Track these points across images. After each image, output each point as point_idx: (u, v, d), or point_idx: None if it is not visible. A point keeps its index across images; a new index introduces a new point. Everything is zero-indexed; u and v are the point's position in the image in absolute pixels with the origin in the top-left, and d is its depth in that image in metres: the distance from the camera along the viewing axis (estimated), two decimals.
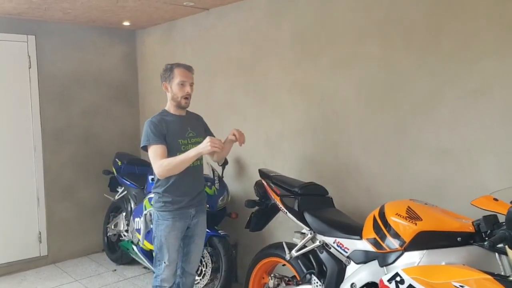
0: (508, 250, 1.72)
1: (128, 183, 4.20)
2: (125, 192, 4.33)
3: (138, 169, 4.33)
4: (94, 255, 4.77)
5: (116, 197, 4.48)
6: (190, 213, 2.82)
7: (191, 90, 2.78)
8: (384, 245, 2.08)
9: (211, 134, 3.00)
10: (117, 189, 4.51)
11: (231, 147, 2.94)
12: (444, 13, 2.46)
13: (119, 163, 4.43)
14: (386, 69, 2.75)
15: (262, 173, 2.96)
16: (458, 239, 1.90)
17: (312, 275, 2.54)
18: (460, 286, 1.70)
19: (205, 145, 2.52)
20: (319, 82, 3.16)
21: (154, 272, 2.88)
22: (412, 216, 2.03)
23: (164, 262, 2.78)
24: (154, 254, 2.86)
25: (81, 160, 4.71)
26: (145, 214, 3.30)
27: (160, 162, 2.64)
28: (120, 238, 4.35)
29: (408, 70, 2.64)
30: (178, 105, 2.79)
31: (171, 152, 2.71)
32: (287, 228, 3.30)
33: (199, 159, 2.83)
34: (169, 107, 2.83)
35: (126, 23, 4.58)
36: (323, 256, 2.50)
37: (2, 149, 4.24)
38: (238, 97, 3.82)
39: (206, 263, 3.47)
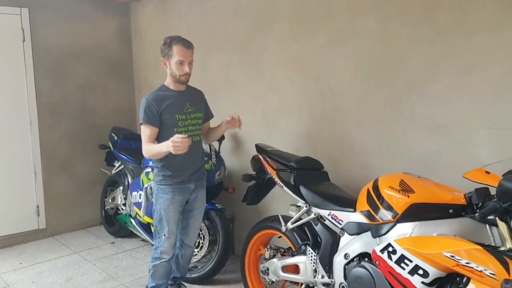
0: (498, 221, 1.76)
1: (125, 157, 4.22)
2: (122, 166, 4.36)
3: (134, 144, 4.34)
4: (92, 228, 4.83)
5: (113, 171, 4.51)
6: (190, 188, 2.86)
7: (190, 68, 2.75)
8: (377, 217, 2.13)
9: (209, 111, 3.05)
10: (114, 163, 4.53)
11: (225, 130, 3.00)
12: None
13: (115, 137, 4.44)
14: (382, 45, 2.75)
15: (259, 148, 2.99)
16: (450, 211, 1.94)
17: (307, 246, 2.60)
18: (451, 256, 1.75)
19: (168, 147, 2.50)
20: (315, 58, 3.15)
21: (153, 244, 2.94)
22: (405, 188, 2.07)
23: (164, 235, 2.83)
24: (154, 226, 2.90)
25: (77, 134, 4.72)
26: (146, 188, 3.31)
27: (145, 146, 2.72)
28: (118, 212, 4.39)
29: (403, 45, 2.64)
30: (178, 82, 2.79)
31: (169, 127, 2.73)
32: (283, 201, 3.35)
33: (198, 134, 2.86)
34: (169, 82, 2.82)
35: None
36: (318, 228, 2.55)
37: None
38: (235, 73, 3.80)
39: (203, 236, 3.53)
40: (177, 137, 2.48)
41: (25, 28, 4.29)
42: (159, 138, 2.77)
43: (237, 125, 2.88)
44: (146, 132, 2.73)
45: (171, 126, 2.74)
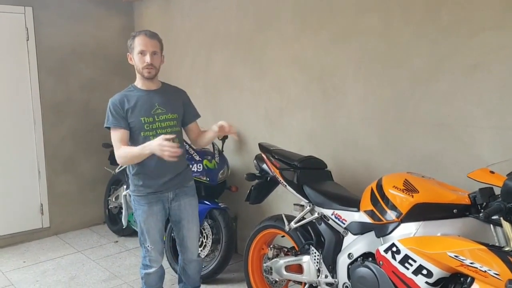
0: (502, 221, 1.75)
1: None
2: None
3: None
4: (95, 227, 4.85)
5: (117, 170, 4.52)
6: (167, 197, 2.64)
7: (155, 59, 2.52)
8: (381, 216, 2.13)
9: (192, 110, 2.77)
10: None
11: (215, 137, 2.72)
12: None
13: None
14: (385, 43, 2.74)
15: (262, 147, 2.98)
16: (454, 211, 1.93)
17: (311, 246, 2.60)
18: (455, 256, 1.74)
19: (156, 148, 2.29)
20: (318, 56, 3.14)
21: (141, 252, 2.79)
22: (409, 188, 2.06)
23: (148, 246, 2.67)
24: (138, 236, 2.74)
25: (81, 133, 4.73)
26: (125, 195, 3.00)
27: (119, 151, 2.49)
28: (121, 210, 4.40)
29: (407, 43, 2.63)
30: (142, 77, 2.56)
31: (135, 131, 2.53)
32: (286, 200, 3.35)
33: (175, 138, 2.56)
34: (138, 81, 2.62)
35: None
36: (322, 227, 2.54)
37: (2, 122, 4.24)
38: (237, 71, 3.80)
39: (206, 235, 3.53)
40: (165, 140, 2.28)
41: (29, 27, 4.30)
42: (129, 144, 2.55)
43: (233, 133, 2.64)
44: (115, 135, 2.50)
45: (137, 130, 2.51)
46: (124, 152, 2.48)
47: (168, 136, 2.32)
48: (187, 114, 2.75)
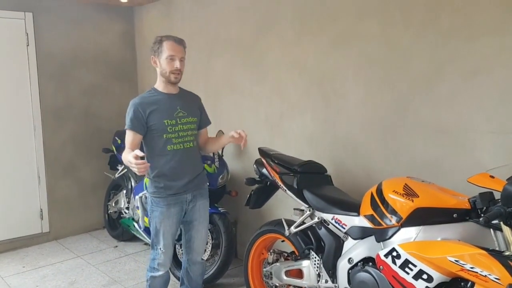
0: (503, 226, 1.75)
1: None
2: (125, 170, 4.36)
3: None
4: (95, 232, 4.84)
5: (116, 175, 4.52)
6: (186, 198, 2.69)
7: (182, 65, 2.60)
8: (381, 221, 2.12)
9: (204, 117, 2.85)
10: (117, 167, 4.54)
11: (227, 144, 2.85)
12: None
13: (119, 141, 4.44)
14: (386, 48, 2.74)
15: (262, 151, 2.98)
16: (454, 215, 1.93)
17: (311, 251, 2.59)
18: (455, 261, 1.74)
19: (131, 161, 2.31)
20: (318, 60, 3.15)
21: (150, 255, 2.79)
22: (409, 193, 2.06)
23: (160, 249, 2.70)
24: (151, 238, 2.77)
25: (81, 138, 4.73)
26: (140, 197, 3.03)
27: (123, 152, 2.57)
28: (121, 215, 4.40)
29: (407, 48, 2.64)
30: (167, 81, 2.62)
31: (158, 133, 2.58)
32: (286, 205, 3.34)
33: (191, 140, 2.68)
34: (159, 84, 2.67)
35: (124, 0, 4.53)
36: (322, 232, 2.54)
37: (2, 127, 4.25)
38: (238, 76, 3.81)
39: (206, 240, 3.52)
40: (137, 157, 2.29)
41: (29, 33, 4.31)
42: (149, 145, 2.64)
43: (242, 143, 2.64)
44: (128, 137, 2.59)
45: (159, 132, 2.58)
46: (124, 155, 2.56)
47: (139, 154, 2.31)
48: (201, 120, 2.83)
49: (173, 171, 2.62)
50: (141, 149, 2.50)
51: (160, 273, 2.74)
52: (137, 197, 3.07)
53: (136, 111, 2.57)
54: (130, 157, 2.33)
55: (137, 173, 2.35)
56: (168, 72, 2.58)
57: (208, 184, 3.52)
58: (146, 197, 2.82)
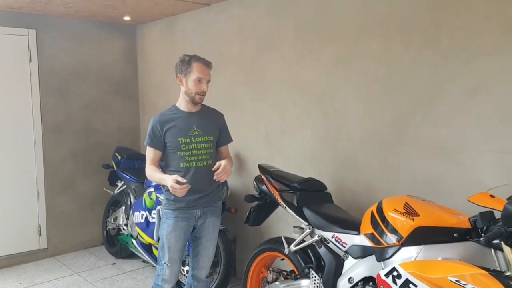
0: (503, 246, 1.74)
1: (128, 177, 4.22)
2: (125, 186, 4.35)
3: (137, 163, 4.34)
4: (93, 248, 4.80)
5: (116, 191, 4.50)
6: (195, 214, 2.70)
7: (207, 87, 2.67)
8: (381, 240, 2.11)
9: (225, 134, 2.87)
10: (117, 183, 4.53)
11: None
12: (443, 10, 2.48)
13: (119, 157, 4.45)
14: (386, 66, 2.77)
15: (262, 168, 2.98)
16: (455, 235, 1.92)
17: (311, 269, 2.57)
18: (456, 281, 1.72)
19: (169, 187, 2.50)
20: (319, 78, 3.17)
21: (157, 269, 2.81)
22: (409, 211, 2.05)
23: (165, 263, 2.70)
24: (158, 251, 2.79)
25: (81, 154, 4.73)
26: (158, 210, 3.12)
27: (147, 168, 2.68)
28: (120, 232, 4.37)
29: (407, 67, 2.66)
30: (191, 101, 2.67)
31: (173, 150, 2.65)
32: (286, 223, 3.33)
33: (205, 159, 2.69)
34: (181, 101, 2.71)
35: (127, 18, 4.59)
36: (322, 250, 2.52)
37: (2, 142, 4.25)
38: (238, 93, 3.83)
39: (213, 258, 3.50)
40: (177, 182, 2.45)
41: (32, 49, 4.35)
42: (165, 160, 2.73)
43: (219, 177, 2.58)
44: (149, 154, 2.70)
45: (174, 149, 2.65)
46: (149, 172, 2.67)
47: (180, 179, 2.46)
48: (221, 137, 2.85)
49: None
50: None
51: None
52: (158, 207, 3.25)
53: (154, 128, 2.66)
54: (170, 181, 2.46)
55: (178, 195, 2.50)
56: (194, 93, 2.63)
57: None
58: (161, 210, 2.88)
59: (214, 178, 2.58)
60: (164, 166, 2.76)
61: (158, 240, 2.86)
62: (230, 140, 2.94)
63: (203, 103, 2.78)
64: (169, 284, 2.74)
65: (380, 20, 2.78)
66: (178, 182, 2.45)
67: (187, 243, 2.91)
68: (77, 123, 4.70)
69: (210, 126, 2.76)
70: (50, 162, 4.52)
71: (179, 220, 2.68)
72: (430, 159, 2.59)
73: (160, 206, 3.05)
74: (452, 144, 2.49)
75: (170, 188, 2.48)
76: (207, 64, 2.66)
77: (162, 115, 2.71)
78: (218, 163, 2.59)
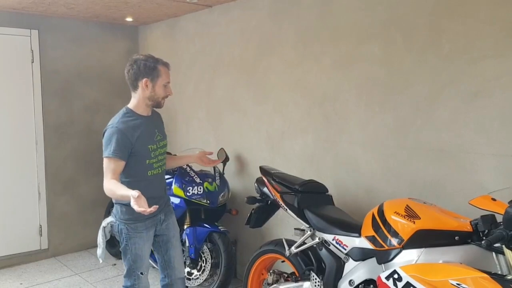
0: (505, 249, 1.74)
1: None
2: None
3: None
4: (94, 249, 4.77)
5: None
6: (160, 219, 2.64)
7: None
8: (382, 243, 2.11)
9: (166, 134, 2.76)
10: None
11: (186, 163, 2.88)
12: (445, 14, 2.48)
13: None
14: (387, 70, 2.77)
15: (263, 170, 2.98)
16: (456, 238, 1.92)
17: (311, 272, 2.57)
18: (457, 284, 1.72)
19: (132, 202, 2.13)
20: (320, 81, 3.17)
21: (125, 283, 2.64)
22: (410, 214, 2.05)
23: (141, 273, 2.60)
24: (126, 267, 2.61)
25: (83, 155, 4.74)
26: (104, 227, 2.71)
27: (108, 183, 2.36)
28: None
29: (408, 70, 2.66)
30: (155, 105, 2.54)
31: (141, 160, 2.48)
32: (287, 225, 3.33)
33: (165, 163, 2.64)
34: (137, 106, 2.52)
35: (129, 19, 4.60)
36: (322, 253, 2.52)
37: (4, 143, 4.26)
38: (240, 95, 3.83)
39: (205, 259, 3.50)
40: (139, 197, 2.13)
41: (34, 50, 4.36)
42: (127, 171, 2.48)
43: (205, 163, 2.67)
44: (110, 166, 2.38)
45: (142, 158, 2.48)
46: (111, 187, 2.35)
47: (140, 196, 2.15)
48: None
49: (152, 195, 2.43)
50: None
51: None
52: (101, 226, 2.73)
53: (124, 137, 2.40)
54: (136, 200, 2.13)
55: (140, 212, 2.14)
56: (161, 97, 2.52)
57: (209, 202, 3.53)
58: (112, 226, 2.63)
59: (200, 162, 2.68)
60: (124, 177, 2.49)
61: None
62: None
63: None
64: None
65: (381, 23, 2.78)
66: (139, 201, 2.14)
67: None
68: (79, 124, 4.70)
69: (162, 128, 2.71)
70: (51, 163, 4.52)
71: (149, 230, 2.59)
72: (431, 162, 2.59)
73: (109, 223, 2.69)
74: (453, 147, 2.49)
75: (134, 206, 2.12)
76: (169, 67, 2.57)
77: (124, 122, 2.46)
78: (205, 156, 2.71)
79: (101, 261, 2.66)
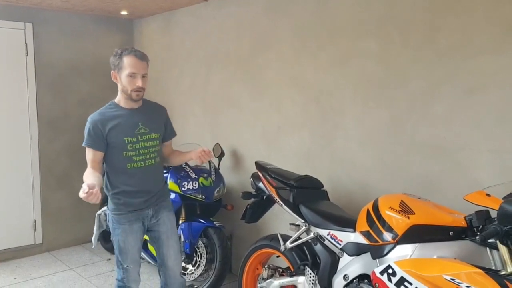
0: (499, 245, 1.75)
1: None
2: None
3: None
4: (88, 244, 4.78)
5: None
6: (147, 214, 2.59)
7: (144, 82, 2.46)
8: (377, 238, 2.11)
9: (170, 129, 2.75)
10: None
11: (190, 160, 2.74)
12: (441, 10, 2.48)
13: None
14: (383, 66, 2.77)
15: (259, 165, 2.98)
16: (450, 233, 1.93)
17: (306, 267, 2.57)
18: (451, 279, 1.73)
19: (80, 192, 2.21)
20: (317, 77, 3.17)
21: (117, 275, 2.68)
22: (405, 210, 2.05)
23: (127, 266, 2.59)
24: (115, 256, 2.65)
25: (77, 149, 4.66)
26: (99, 215, 2.84)
27: (86, 171, 2.46)
28: None
29: (405, 66, 2.66)
30: (128, 98, 2.50)
31: (117, 151, 2.48)
32: (282, 220, 3.33)
33: (153, 157, 2.57)
34: (119, 99, 2.55)
35: (124, 12, 4.56)
36: (317, 248, 2.52)
37: None
38: (236, 90, 3.82)
39: (200, 254, 3.50)
40: (84, 189, 2.18)
41: (29, 43, 4.32)
42: (108, 162, 2.54)
43: (200, 160, 2.56)
44: (88, 155, 2.50)
45: (119, 149, 2.47)
46: (84, 175, 2.43)
47: (88, 189, 2.20)
48: (166, 133, 2.72)
49: (133, 188, 2.51)
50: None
51: None
52: (96, 214, 2.89)
53: (95, 127, 2.45)
54: (84, 185, 2.20)
55: (91, 201, 2.22)
56: (129, 90, 2.46)
57: (204, 197, 3.53)
58: (105, 215, 2.70)
59: (197, 159, 2.53)
60: (107, 167, 2.57)
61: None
62: (175, 134, 2.81)
63: (145, 98, 2.63)
64: (136, 284, 2.66)
65: (378, 19, 2.77)
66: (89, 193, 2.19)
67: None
68: (74, 118, 4.67)
69: (156, 122, 2.61)
70: (45, 157, 4.50)
71: (133, 223, 2.55)
72: (427, 158, 2.59)
73: (103, 210, 2.82)
74: (448, 143, 2.49)
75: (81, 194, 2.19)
76: (141, 57, 2.44)
77: (102, 113, 2.51)
78: (202, 152, 2.55)
79: (93, 246, 2.82)
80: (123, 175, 2.52)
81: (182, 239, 3.45)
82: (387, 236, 2.06)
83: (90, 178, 2.37)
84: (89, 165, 2.49)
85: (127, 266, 2.60)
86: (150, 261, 3.66)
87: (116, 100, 2.57)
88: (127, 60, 2.43)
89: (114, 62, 2.48)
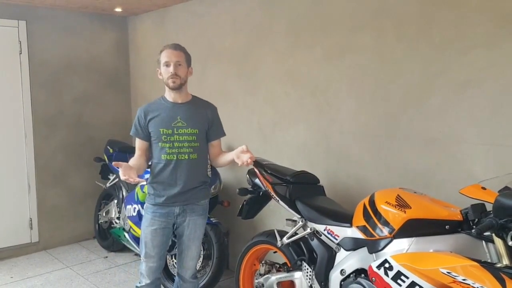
0: (495, 238, 1.75)
1: None
2: (117, 179, 4.33)
3: (129, 157, 4.25)
4: (85, 242, 4.78)
5: (108, 185, 4.48)
6: (174, 211, 2.60)
7: (178, 69, 2.52)
8: (373, 232, 2.12)
9: (216, 128, 2.72)
10: (109, 176, 4.50)
11: (231, 161, 2.62)
12: (436, 3, 2.48)
13: (111, 150, 4.42)
14: (378, 60, 2.76)
15: (255, 161, 2.96)
16: (446, 227, 1.93)
17: (303, 262, 2.58)
18: (448, 272, 1.74)
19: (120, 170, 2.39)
20: (312, 72, 3.16)
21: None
22: (401, 204, 2.06)
23: (142, 258, 2.65)
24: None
25: (73, 147, 4.69)
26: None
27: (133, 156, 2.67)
28: (112, 225, 4.35)
29: (399, 60, 2.66)
30: (169, 88, 2.58)
31: (155, 142, 2.60)
32: (279, 216, 3.33)
33: (188, 153, 2.57)
34: (166, 93, 2.65)
35: (118, 9, 4.54)
36: (314, 243, 2.53)
37: None
38: (231, 86, 3.81)
39: (198, 258, 3.49)
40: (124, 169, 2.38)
41: (22, 41, 4.30)
42: (152, 152, 2.66)
43: (241, 163, 2.46)
44: (136, 143, 2.70)
45: (156, 140, 2.58)
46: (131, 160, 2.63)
47: (127, 165, 2.44)
48: (211, 131, 2.70)
49: (166, 180, 2.58)
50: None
51: (142, 284, 2.67)
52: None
53: (140, 118, 2.63)
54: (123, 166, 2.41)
55: (130, 180, 2.38)
56: (166, 79, 2.56)
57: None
58: None
59: (237, 160, 2.45)
60: (152, 156, 2.69)
61: None
62: (223, 134, 2.79)
63: (196, 95, 2.72)
64: (146, 280, 2.65)
65: (373, 13, 2.77)
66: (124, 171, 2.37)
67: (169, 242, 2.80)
68: (68, 116, 4.65)
69: (197, 118, 2.63)
70: (41, 155, 4.48)
71: (156, 216, 2.59)
72: (422, 152, 2.60)
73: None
74: (444, 137, 2.50)
75: (122, 176, 2.37)
76: (174, 47, 2.56)
77: (148, 105, 2.67)
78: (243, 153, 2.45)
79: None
80: (159, 165, 2.59)
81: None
82: (384, 230, 2.07)
83: (131, 161, 2.59)
84: (136, 152, 2.67)
85: (142, 258, 2.66)
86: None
87: (165, 94, 2.68)
88: (163, 54, 2.58)
89: (157, 60, 2.61)
